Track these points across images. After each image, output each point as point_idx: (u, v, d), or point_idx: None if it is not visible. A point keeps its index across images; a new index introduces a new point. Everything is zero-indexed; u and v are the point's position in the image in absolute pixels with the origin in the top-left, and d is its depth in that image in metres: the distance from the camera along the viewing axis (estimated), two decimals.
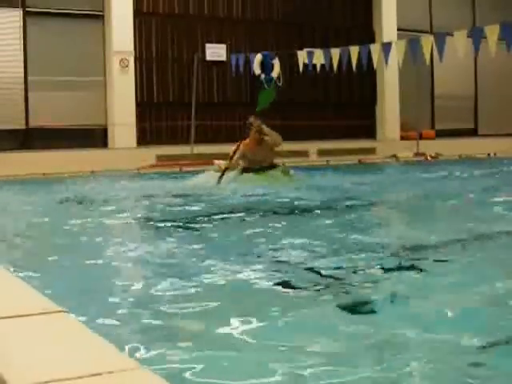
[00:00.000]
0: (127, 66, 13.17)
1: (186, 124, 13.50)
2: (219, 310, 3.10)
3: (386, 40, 13.21)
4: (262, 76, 14.01)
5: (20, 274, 3.57)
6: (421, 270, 3.82)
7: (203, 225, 5.90)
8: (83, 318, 2.56)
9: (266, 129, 9.24)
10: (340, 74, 11.79)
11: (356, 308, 3.11)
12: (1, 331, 1.98)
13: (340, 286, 3.49)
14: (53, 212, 6.99)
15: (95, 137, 13.33)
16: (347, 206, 7.09)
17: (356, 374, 2.32)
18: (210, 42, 14.21)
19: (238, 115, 13.67)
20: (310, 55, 11.28)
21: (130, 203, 7.80)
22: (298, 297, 3.36)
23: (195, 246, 4.74)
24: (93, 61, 13.21)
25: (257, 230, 5.38)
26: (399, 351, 2.55)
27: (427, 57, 9.81)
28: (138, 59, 13.45)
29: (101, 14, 13.30)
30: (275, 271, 3.86)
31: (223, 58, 14.15)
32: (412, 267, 3.89)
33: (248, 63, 13.03)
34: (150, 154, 12.77)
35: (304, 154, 13.97)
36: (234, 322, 2.91)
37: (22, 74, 12.60)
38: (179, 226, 5.77)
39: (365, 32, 15.63)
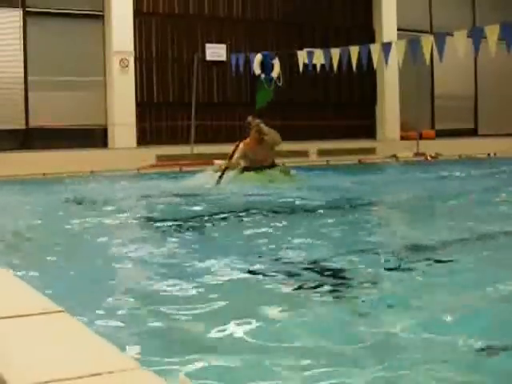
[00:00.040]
0: (127, 66, 13.16)
1: (186, 124, 13.50)
2: (219, 310, 3.09)
3: (385, 40, 13.21)
4: (262, 76, 14.01)
5: (20, 273, 3.56)
6: (421, 270, 3.82)
7: (204, 225, 5.89)
8: (83, 318, 2.55)
9: (264, 128, 9.25)
10: (340, 73, 11.79)
11: (356, 308, 3.11)
12: (1, 331, 1.98)
13: (340, 285, 3.49)
14: (53, 212, 6.99)
15: (95, 137, 13.32)
16: (347, 205, 7.09)
17: (356, 374, 2.32)
18: (210, 42, 14.21)
19: (238, 115, 13.66)
20: (310, 55, 11.28)
21: (129, 203, 7.80)
22: (298, 297, 3.35)
23: (195, 246, 4.74)
24: (93, 61, 13.21)
25: (257, 230, 5.38)
26: (399, 351, 2.55)
27: (427, 57, 9.81)
28: (137, 59, 13.44)
29: (101, 14, 13.29)
30: (276, 271, 3.86)
31: (223, 58, 14.15)
32: (412, 267, 3.89)
33: (248, 63, 13.03)
34: (150, 153, 12.77)
35: (304, 154, 13.96)
36: (234, 321, 2.90)
37: (22, 74, 12.59)
38: (179, 226, 5.77)
39: (365, 32, 15.62)
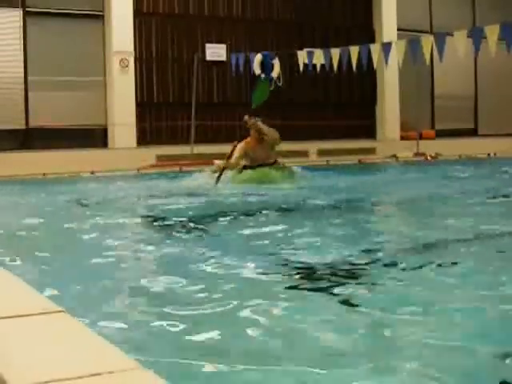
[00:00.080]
0: (127, 66, 13.17)
1: (185, 124, 13.50)
2: (219, 310, 3.09)
3: (386, 40, 13.22)
4: (262, 76, 14.02)
5: (20, 273, 3.56)
6: (421, 270, 3.82)
7: (204, 225, 5.89)
8: (83, 318, 2.55)
9: (264, 127, 9.27)
10: (340, 73, 11.80)
11: (357, 308, 3.11)
12: (1, 331, 1.98)
13: (341, 285, 3.49)
14: (53, 212, 6.99)
15: (95, 137, 13.33)
16: (347, 205, 7.09)
17: (356, 374, 2.32)
18: (210, 41, 14.21)
19: (237, 115, 13.64)
20: (310, 55, 11.28)
21: (129, 203, 7.80)
22: (298, 296, 3.36)
23: (196, 246, 4.74)
24: (93, 61, 13.21)
25: (258, 230, 5.38)
26: (400, 351, 2.55)
27: (427, 57, 9.82)
28: (137, 59, 13.45)
29: (101, 14, 13.30)
30: (276, 271, 3.86)
31: (223, 57, 14.16)
32: (412, 267, 3.89)
33: (248, 63, 13.04)
34: (150, 153, 12.78)
35: (304, 154, 13.97)
36: (235, 321, 2.91)
37: (22, 74, 12.60)
38: (179, 226, 5.77)
39: (365, 32, 15.63)
